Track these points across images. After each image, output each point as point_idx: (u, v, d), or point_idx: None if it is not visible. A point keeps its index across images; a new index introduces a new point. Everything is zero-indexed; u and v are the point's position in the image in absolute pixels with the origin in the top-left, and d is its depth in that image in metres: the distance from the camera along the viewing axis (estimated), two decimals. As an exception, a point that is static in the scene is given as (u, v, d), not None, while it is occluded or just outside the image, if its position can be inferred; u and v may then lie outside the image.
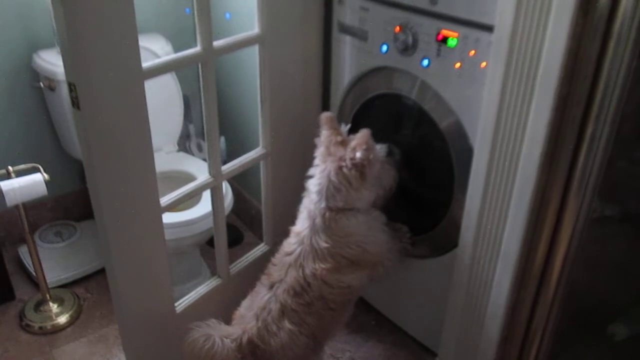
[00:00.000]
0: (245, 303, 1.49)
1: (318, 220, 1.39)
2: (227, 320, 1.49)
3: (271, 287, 1.43)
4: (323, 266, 1.37)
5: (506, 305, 1.36)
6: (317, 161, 1.42)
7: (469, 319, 1.46)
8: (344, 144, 1.37)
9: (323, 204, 1.38)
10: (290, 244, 1.44)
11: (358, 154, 1.32)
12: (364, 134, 1.36)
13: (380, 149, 1.42)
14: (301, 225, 1.43)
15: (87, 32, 1.15)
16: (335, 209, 1.38)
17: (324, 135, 1.40)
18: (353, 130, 1.43)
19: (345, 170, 1.34)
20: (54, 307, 2.00)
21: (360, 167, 1.34)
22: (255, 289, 1.48)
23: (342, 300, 1.43)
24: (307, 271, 1.38)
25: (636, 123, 1.26)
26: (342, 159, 1.35)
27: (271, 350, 1.39)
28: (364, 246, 1.41)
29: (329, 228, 1.38)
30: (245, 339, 1.39)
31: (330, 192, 1.36)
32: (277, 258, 1.46)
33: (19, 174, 1.79)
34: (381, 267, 1.47)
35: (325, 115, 1.43)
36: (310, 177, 1.44)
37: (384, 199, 1.49)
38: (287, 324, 1.38)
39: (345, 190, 1.36)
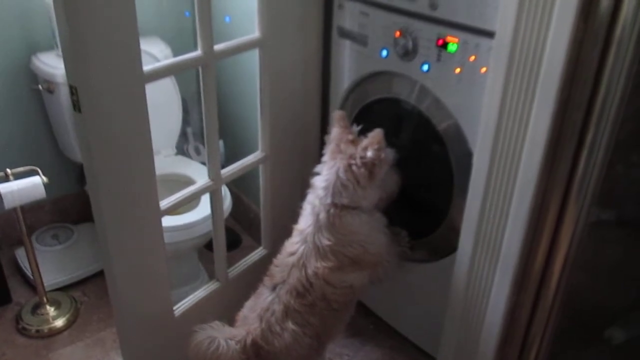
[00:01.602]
0: (248, 304, 1.49)
1: (322, 216, 1.40)
2: (227, 323, 1.48)
3: (274, 288, 1.43)
4: (325, 264, 1.38)
5: (505, 309, 1.36)
6: (325, 158, 1.43)
7: (468, 323, 1.47)
8: (354, 142, 1.39)
9: (329, 200, 1.39)
10: (293, 243, 1.44)
11: (369, 153, 1.34)
12: (377, 133, 1.37)
13: (390, 152, 1.43)
14: (305, 222, 1.44)
15: (89, 35, 1.16)
16: (340, 206, 1.39)
17: (335, 132, 1.42)
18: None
19: (354, 168, 1.36)
20: (50, 310, 1.99)
21: (369, 166, 1.36)
22: (257, 291, 1.48)
23: (344, 300, 1.44)
24: (310, 271, 1.39)
25: (635, 127, 1.27)
26: (352, 156, 1.36)
27: (275, 351, 1.40)
28: (365, 246, 1.42)
29: (333, 225, 1.39)
30: (249, 341, 1.40)
31: (338, 188, 1.38)
32: (280, 259, 1.46)
33: (17, 176, 1.79)
34: (380, 269, 1.48)
35: (337, 113, 1.45)
36: (317, 173, 1.45)
37: (385, 203, 1.49)
38: (290, 325, 1.39)
39: (353, 188, 1.37)
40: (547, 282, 1.29)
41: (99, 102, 1.22)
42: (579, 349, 1.65)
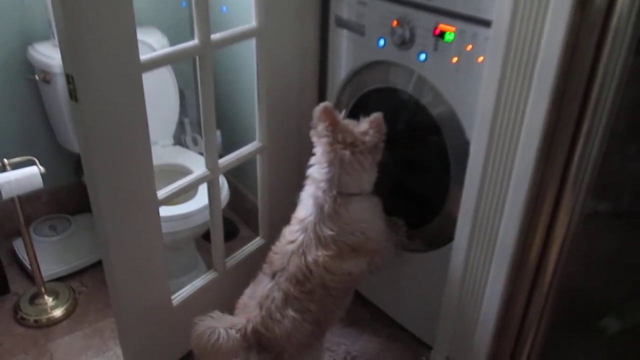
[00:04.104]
0: (247, 292, 1.49)
1: (327, 207, 1.39)
2: (226, 312, 1.49)
3: (273, 275, 1.43)
4: (326, 253, 1.38)
5: (501, 298, 1.37)
6: (320, 149, 1.41)
7: (464, 312, 1.48)
8: (349, 129, 1.39)
9: (334, 191, 1.39)
10: (292, 231, 1.44)
11: (368, 137, 1.37)
12: (377, 117, 1.40)
13: None
14: (305, 212, 1.44)
15: (85, 24, 1.15)
16: (347, 194, 1.40)
17: (324, 127, 1.39)
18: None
19: (358, 154, 1.37)
20: (49, 300, 2.00)
21: (372, 149, 1.38)
22: (257, 278, 1.48)
23: (343, 287, 1.45)
24: (309, 259, 1.39)
25: (631, 119, 1.27)
26: (354, 144, 1.37)
27: (276, 338, 1.40)
28: (366, 232, 1.43)
29: (338, 214, 1.39)
30: (249, 328, 1.40)
31: (343, 178, 1.39)
32: (279, 246, 1.47)
33: (15, 166, 1.78)
34: (378, 257, 1.49)
35: (321, 107, 1.39)
36: (313, 165, 1.44)
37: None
38: (290, 312, 1.39)
39: (359, 174, 1.39)
40: (543, 272, 1.30)
41: (95, 91, 1.22)
42: (574, 339, 1.66)
